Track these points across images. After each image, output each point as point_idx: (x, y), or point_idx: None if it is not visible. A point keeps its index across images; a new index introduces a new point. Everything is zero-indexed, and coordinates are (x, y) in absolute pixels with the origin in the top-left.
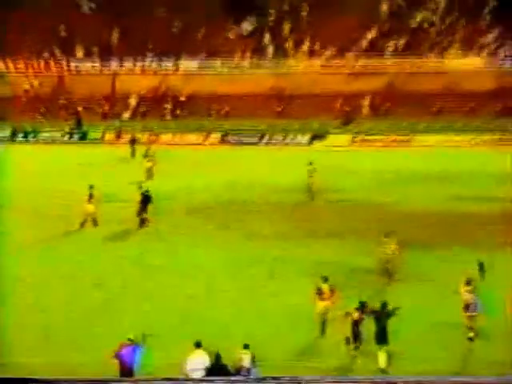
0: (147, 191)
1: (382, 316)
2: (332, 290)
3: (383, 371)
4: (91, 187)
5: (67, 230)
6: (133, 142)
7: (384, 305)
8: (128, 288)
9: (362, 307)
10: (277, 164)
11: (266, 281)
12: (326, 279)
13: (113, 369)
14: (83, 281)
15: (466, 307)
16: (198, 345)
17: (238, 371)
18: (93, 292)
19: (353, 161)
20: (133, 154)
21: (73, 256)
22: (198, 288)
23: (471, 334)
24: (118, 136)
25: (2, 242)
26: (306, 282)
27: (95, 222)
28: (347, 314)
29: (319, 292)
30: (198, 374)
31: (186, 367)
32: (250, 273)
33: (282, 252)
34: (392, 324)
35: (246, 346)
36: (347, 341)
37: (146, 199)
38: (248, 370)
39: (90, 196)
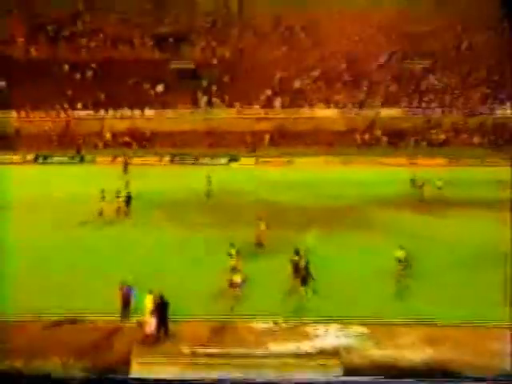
0: (129, 193)
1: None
2: (237, 253)
3: (306, 299)
4: (103, 191)
5: (73, 218)
6: (125, 163)
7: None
8: (113, 253)
9: (298, 253)
10: (195, 176)
11: (197, 251)
12: (233, 246)
13: (96, 307)
14: (84, 248)
15: (400, 261)
16: (150, 291)
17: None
18: (90, 255)
19: (256, 175)
20: (125, 171)
21: (78, 233)
22: (157, 256)
23: (403, 280)
24: (113, 160)
25: (33, 224)
26: (220, 250)
27: (101, 213)
28: (291, 260)
29: (230, 255)
30: (149, 310)
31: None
32: (188, 245)
33: (206, 233)
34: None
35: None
36: (292, 275)
37: (128, 199)
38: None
39: (103, 197)
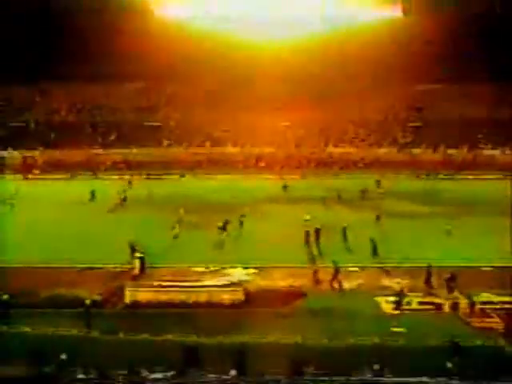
0: (125, 194)
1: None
2: (179, 226)
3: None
4: (119, 192)
5: (98, 207)
6: (129, 182)
7: (227, 221)
8: (113, 227)
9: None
10: (160, 185)
11: (155, 225)
12: (177, 222)
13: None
14: (92, 227)
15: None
16: (138, 251)
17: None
18: (95, 228)
19: (193, 184)
20: (129, 184)
21: (94, 215)
22: (140, 228)
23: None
24: (122, 178)
25: (72, 210)
26: (169, 224)
27: (116, 204)
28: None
29: (173, 227)
30: (137, 260)
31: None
32: (152, 222)
33: (158, 214)
34: None
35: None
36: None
37: (125, 197)
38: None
39: (120, 196)
